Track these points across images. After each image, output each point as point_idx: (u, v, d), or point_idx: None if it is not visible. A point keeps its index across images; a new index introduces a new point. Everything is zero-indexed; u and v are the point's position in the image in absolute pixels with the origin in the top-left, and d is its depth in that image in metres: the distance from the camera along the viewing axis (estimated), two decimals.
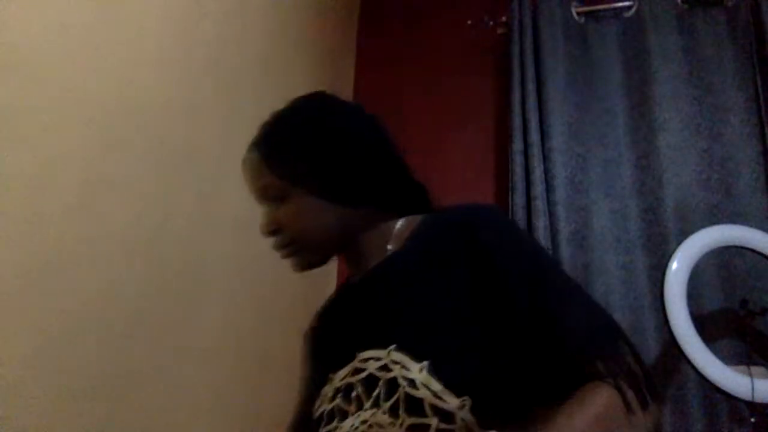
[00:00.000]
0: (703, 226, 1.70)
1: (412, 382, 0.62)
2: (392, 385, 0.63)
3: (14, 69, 0.80)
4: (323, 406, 0.71)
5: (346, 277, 0.88)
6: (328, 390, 0.72)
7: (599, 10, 2.06)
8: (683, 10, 1.98)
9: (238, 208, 1.38)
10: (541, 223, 1.82)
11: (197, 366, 1.20)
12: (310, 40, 1.94)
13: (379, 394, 0.64)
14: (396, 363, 0.64)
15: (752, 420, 1.49)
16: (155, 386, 1.06)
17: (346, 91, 2.29)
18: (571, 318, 0.65)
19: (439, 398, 0.60)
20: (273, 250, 0.77)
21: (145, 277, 1.06)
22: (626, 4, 2.03)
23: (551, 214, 1.85)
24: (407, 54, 2.32)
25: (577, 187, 1.89)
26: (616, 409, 0.58)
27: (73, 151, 0.91)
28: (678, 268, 1.60)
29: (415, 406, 0.61)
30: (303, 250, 0.77)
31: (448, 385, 0.61)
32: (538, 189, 1.86)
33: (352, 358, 0.70)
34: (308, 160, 0.76)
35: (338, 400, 0.68)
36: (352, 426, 0.65)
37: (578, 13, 2.07)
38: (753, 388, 1.44)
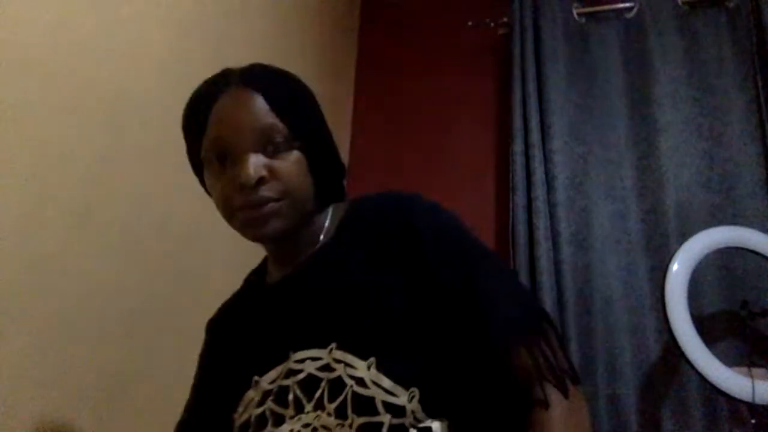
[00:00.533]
0: (703, 228, 1.70)
1: (360, 381, 0.59)
2: (337, 384, 0.60)
3: (14, 69, 0.80)
4: (249, 411, 0.66)
5: (253, 272, 0.85)
6: (253, 394, 0.67)
7: (600, 11, 2.06)
8: (684, 11, 1.98)
9: None
10: (541, 224, 1.82)
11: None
12: (311, 40, 1.95)
13: (322, 395, 0.61)
14: (338, 362, 0.61)
15: (753, 421, 1.48)
16: (155, 386, 1.06)
17: (346, 92, 2.29)
18: (495, 303, 0.64)
19: (391, 394, 0.58)
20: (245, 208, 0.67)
21: (145, 277, 1.06)
22: (627, 5, 2.03)
23: (552, 215, 1.85)
24: (408, 54, 2.32)
25: (577, 188, 1.89)
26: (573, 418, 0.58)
27: (73, 150, 0.90)
28: (679, 269, 1.60)
29: (364, 405, 0.58)
30: (287, 209, 0.67)
31: (399, 380, 0.59)
32: (539, 190, 1.86)
33: (283, 359, 0.66)
34: (311, 119, 0.73)
35: (269, 404, 0.64)
36: (291, 431, 0.61)
37: (579, 14, 2.07)
38: (753, 390, 1.43)
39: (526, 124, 1.96)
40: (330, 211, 0.77)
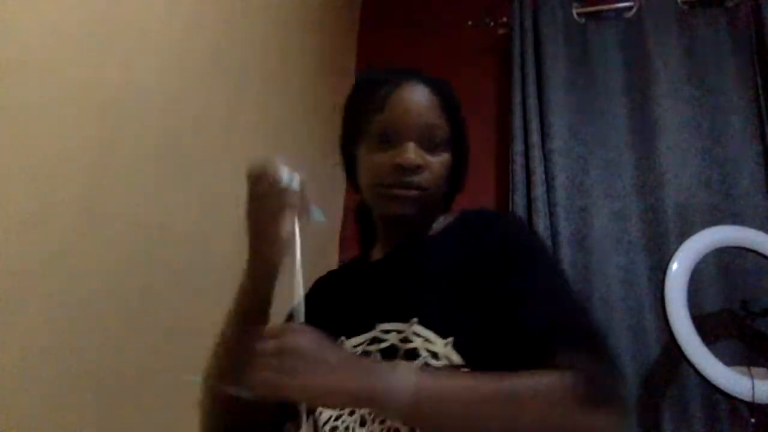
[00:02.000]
0: (703, 227, 1.70)
1: (434, 355, 0.66)
2: (411, 355, 0.67)
3: (14, 68, 0.80)
4: None
5: (359, 254, 0.93)
6: None
7: (600, 11, 2.06)
8: (684, 11, 1.98)
9: (239, 208, 1.37)
10: (541, 224, 1.82)
11: (197, 366, 1.20)
12: (311, 40, 1.95)
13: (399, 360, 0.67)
14: (418, 336, 0.68)
15: (752, 421, 1.49)
16: (155, 386, 1.06)
17: (346, 92, 2.29)
18: (562, 314, 0.67)
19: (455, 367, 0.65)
20: (394, 182, 0.75)
21: (145, 277, 1.06)
22: (627, 4, 2.03)
23: (552, 215, 1.85)
24: (408, 54, 2.32)
25: (577, 188, 1.89)
26: (559, 393, 0.57)
27: (73, 151, 0.91)
28: (678, 268, 1.60)
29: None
30: (424, 201, 0.77)
31: (468, 361, 0.65)
32: (539, 190, 1.86)
33: (370, 328, 0.73)
34: (465, 131, 0.83)
35: None
36: None
37: (579, 14, 2.07)
38: (753, 389, 1.43)
39: (525, 124, 1.96)
40: (441, 219, 0.85)
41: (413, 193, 0.75)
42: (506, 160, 1.99)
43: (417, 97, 0.78)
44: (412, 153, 0.74)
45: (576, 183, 1.90)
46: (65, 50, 0.90)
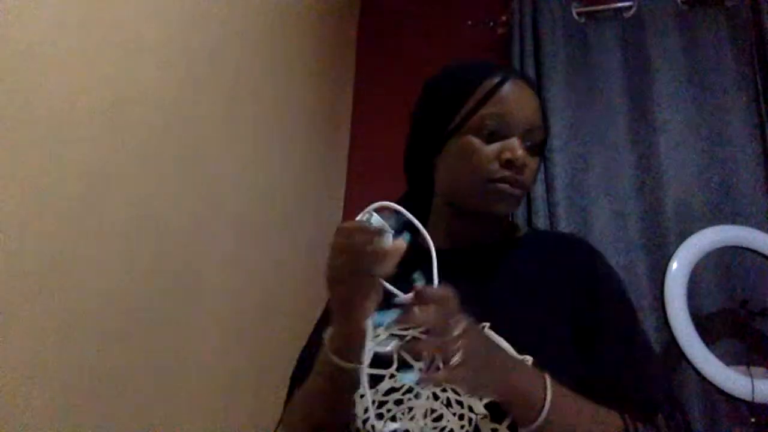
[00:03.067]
0: (703, 227, 1.70)
1: None
2: None
3: (14, 68, 0.80)
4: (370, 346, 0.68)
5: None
6: (380, 331, 0.68)
7: (599, 11, 2.06)
8: (683, 11, 1.98)
9: (240, 208, 1.38)
10: (541, 224, 1.82)
11: (197, 366, 1.20)
12: (311, 39, 1.94)
13: None
14: None
15: (752, 420, 1.49)
16: (155, 386, 1.06)
17: (346, 91, 2.29)
18: (645, 376, 0.71)
19: None
20: (501, 178, 0.74)
21: (145, 277, 1.06)
22: (626, 4, 2.03)
23: (551, 215, 1.85)
24: (407, 54, 2.32)
25: (577, 187, 1.89)
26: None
27: (72, 150, 0.90)
28: (678, 268, 1.60)
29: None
30: (518, 201, 0.76)
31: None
32: (538, 189, 1.86)
33: None
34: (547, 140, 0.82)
35: (398, 348, 0.65)
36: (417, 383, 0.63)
37: (578, 14, 2.07)
38: (753, 389, 1.43)
39: None
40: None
41: (517, 191, 0.74)
42: None
43: (527, 95, 0.77)
44: (521, 151, 0.73)
45: (575, 182, 1.90)
46: (65, 49, 0.89)
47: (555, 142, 1.91)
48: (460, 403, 0.66)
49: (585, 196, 1.88)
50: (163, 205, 1.13)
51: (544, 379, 0.61)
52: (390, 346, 0.62)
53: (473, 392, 0.62)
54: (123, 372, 0.98)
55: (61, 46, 0.89)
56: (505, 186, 0.73)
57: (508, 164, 0.72)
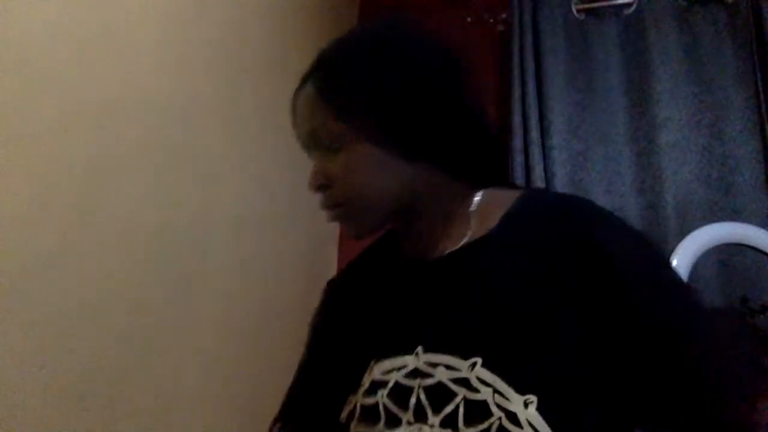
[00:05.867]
0: (703, 224, 1.70)
1: (512, 417, 0.50)
2: (478, 409, 0.51)
3: (14, 68, 0.80)
4: (357, 398, 0.58)
5: (384, 237, 0.74)
6: (366, 379, 0.59)
7: (599, 8, 2.05)
8: (683, 8, 1.97)
9: (239, 207, 1.37)
10: None
11: (197, 365, 1.20)
12: (310, 39, 1.94)
13: (455, 413, 0.52)
14: (484, 383, 0.51)
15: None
16: (155, 385, 1.06)
17: None
18: (714, 361, 0.53)
19: None
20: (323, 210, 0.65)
21: (145, 277, 1.06)
22: (626, 1, 2.02)
23: None
24: None
25: (577, 185, 1.89)
26: None
27: (72, 150, 0.90)
28: (678, 265, 1.60)
29: None
30: (356, 213, 0.62)
31: (558, 428, 0.49)
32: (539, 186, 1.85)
33: (408, 351, 0.57)
34: (369, 95, 0.61)
35: (384, 399, 0.56)
36: None
37: (578, 11, 2.06)
38: None
39: (525, 121, 1.96)
40: (480, 194, 0.66)
41: (336, 212, 0.63)
42: (506, 157, 1.98)
43: (298, 104, 0.65)
44: (313, 170, 0.63)
45: (575, 180, 1.90)
46: (64, 49, 0.89)
47: (554, 139, 1.91)
48: None
49: (585, 193, 1.88)
50: (163, 205, 1.13)
51: None
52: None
53: None
54: (123, 372, 0.98)
55: (59, 46, 0.88)
56: (329, 214, 0.64)
57: (315, 191, 0.63)
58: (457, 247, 0.62)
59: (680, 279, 0.59)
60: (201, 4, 1.28)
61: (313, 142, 0.63)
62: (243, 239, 1.38)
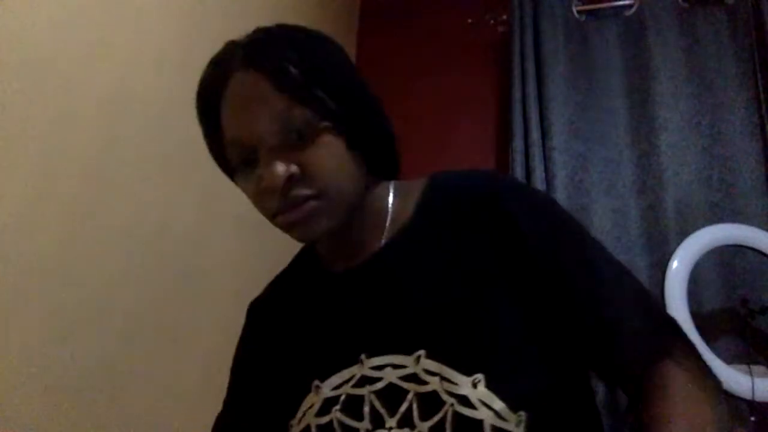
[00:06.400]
0: (703, 225, 1.70)
1: (464, 399, 0.50)
2: (430, 400, 0.51)
3: (14, 68, 0.80)
4: (308, 420, 0.57)
5: (303, 252, 0.72)
6: (313, 400, 0.58)
7: (600, 9, 2.06)
8: (684, 9, 1.97)
9: (239, 208, 1.37)
10: None
11: (197, 365, 1.20)
12: None
13: (409, 410, 0.52)
14: (431, 374, 0.52)
15: (752, 419, 1.49)
16: (155, 385, 1.06)
17: None
18: (622, 314, 0.56)
19: (502, 419, 0.49)
20: (273, 219, 0.59)
21: (145, 277, 1.06)
22: (627, 2, 2.02)
23: None
24: (408, 53, 2.32)
25: (577, 186, 1.89)
26: (698, 389, 0.51)
27: (72, 150, 0.90)
28: (678, 266, 1.60)
29: (468, 427, 0.49)
30: (329, 207, 0.56)
31: (510, 402, 0.50)
32: (538, 188, 1.85)
33: (351, 362, 0.57)
34: (338, 85, 0.58)
35: (337, 414, 0.55)
36: None
37: (579, 12, 2.06)
38: (753, 387, 1.43)
39: (525, 122, 1.96)
40: (391, 188, 0.65)
41: (308, 206, 0.56)
42: (506, 159, 1.98)
43: (245, 95, 0.56)
44: (274, 169, 0.54)
45: (576, 181, 1.90)
46: (64, 49, 0.89)
47: (555, 140, 1.91)
48: None
49: (585, 194, 1.88)
50: (163, 205, 1.13)
51: None
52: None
53: None
54: (123, 372, 0.98)
55: (60, 46, 0.88)
56: (283, 219, 0.57)
57: (273, 192, 0.55)
58: (379, 246, 0.62)
59: (579, 230, 0.61)
60: (201, 4, 1.28)
61: (276, 132, 0.55)
62: (243, 239, 1.38)
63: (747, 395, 1.45)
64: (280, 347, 0.67)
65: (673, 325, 0.58)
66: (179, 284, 1.16)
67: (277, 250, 1.56)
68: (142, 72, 1.08)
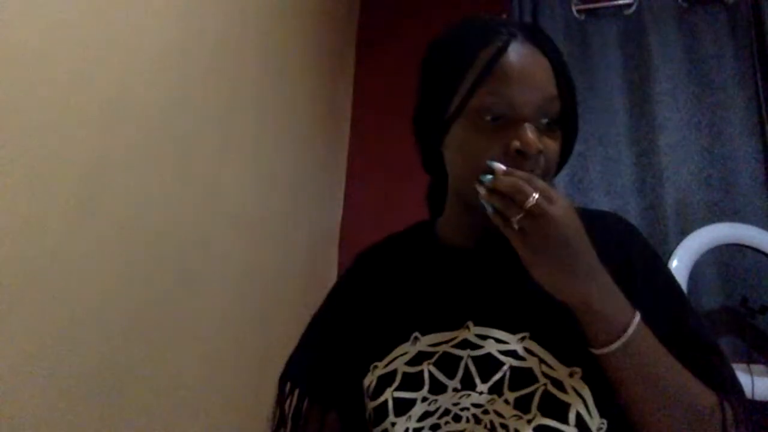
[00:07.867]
0: (703, 224, 1.70)
1: (557, 383, 0.56)
2: (524, 376, 0.57)
3: (13, 67, 0.80)
4: (396, 365, 0.62)
5: (419, 225, 0.78)
6: (406, 349, 0.63)
7: (599, 8, 2.06)
8: (683, 8, 1.97)
9: (239, 207, 1.37)
10: None
11: (197, 365, 1.20)
12: (310, 37, 1.94)
13: (501, 380, 0.58)
14: (531, 354, 0.58)
15: (752, 419, 1.48)
16: (155, 386, 1.06)
17: (346, 90, 2.28)
18: (708, 354, 0.63)
19: (588, 413, 0.55)
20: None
21: (145, 276, 1.06)
22: (626, 1, 2.02)
23: None
24: (407, 52, 2.32)
25: (577, 185, 1.89)
26: (712, 414, 0.58)
27: (72, 149, 0.90)
28: (678, 266, 1.60)
29: (554, 407, 0.55)
30: None
31: (601, 405, 0.56)
32: None
33: (456, 326, 0.62)
34: (575, 100, 0.66)
35: (429, 367, 0.61)
36: (455, 405, 0.58)
37: (578, 11, 2.07)
38: (753, 387, 1.44)
39: None
40: None
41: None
42: None
43: (532, 65, 0.61)
44: (533, 137, 0.58)
45: (575, 180, 1.90)
46: (64, 48, 0.89)
47: None
48: (505, 427, 0.57)
49: (584, 193, 1.88)
50: (162, 205, 1.12)
51: (634, 311, 0.54)
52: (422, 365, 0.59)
53: (546, 283, 0.53)
54: (123, 372, 0.98)
55: (58, 46, 0.88)
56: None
57: (517, 156, 0.58)
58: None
59: (676, 281, 0.69)
60: (201, 5, 1.28)
61: (542, 110, 0.60)
62: (243, 239, 1.38)
63: (746, 395, 1.45)
64: (382, 296, 0.71)
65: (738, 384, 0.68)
66: (179, 284, 1.16)
67: (277, 250, 1.57)
68: (141, 73, 1.07)
